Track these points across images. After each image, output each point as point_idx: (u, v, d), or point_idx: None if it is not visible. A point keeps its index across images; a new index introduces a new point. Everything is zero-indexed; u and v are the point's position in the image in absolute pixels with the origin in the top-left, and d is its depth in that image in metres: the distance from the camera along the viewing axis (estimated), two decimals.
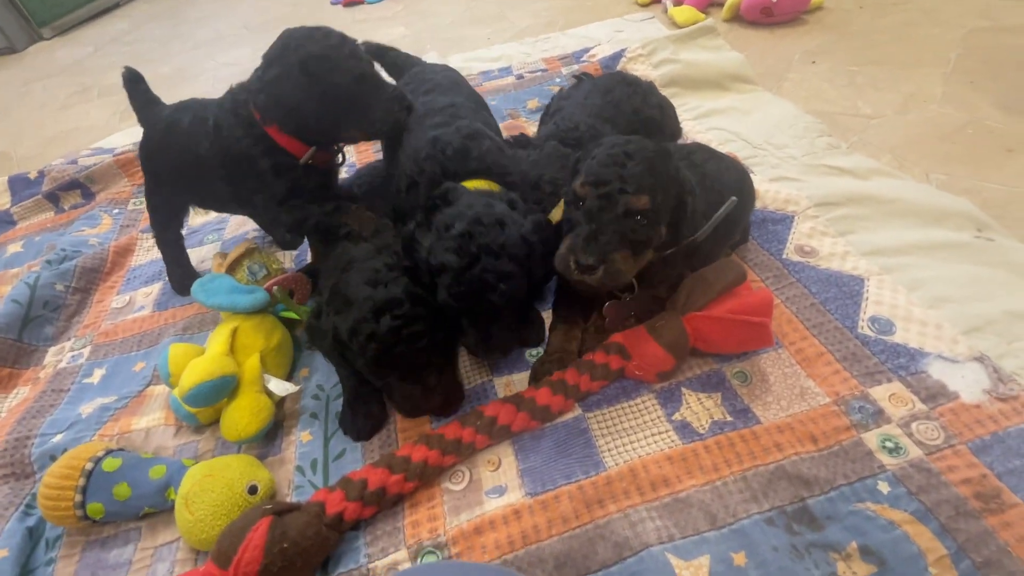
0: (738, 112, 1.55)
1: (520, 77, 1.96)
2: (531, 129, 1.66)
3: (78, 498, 0.81)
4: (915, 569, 0.65)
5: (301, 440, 0.93)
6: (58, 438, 0.98)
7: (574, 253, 0.74)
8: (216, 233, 1.48)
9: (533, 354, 1.00)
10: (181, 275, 1.28)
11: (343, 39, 0.92)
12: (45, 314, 1.26)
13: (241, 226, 1.48)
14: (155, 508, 0.84)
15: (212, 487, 0.79)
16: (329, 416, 0.96)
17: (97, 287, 1.37)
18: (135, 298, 1.32)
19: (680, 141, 1.34)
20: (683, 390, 0.89)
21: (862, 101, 1.53)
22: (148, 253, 1.46)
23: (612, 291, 0.90)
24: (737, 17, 2.09)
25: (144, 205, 1.61)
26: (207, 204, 1.23)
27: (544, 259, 0.84)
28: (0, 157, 2.30)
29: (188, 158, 1.05)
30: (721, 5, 2.19)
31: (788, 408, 0.84)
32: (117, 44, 3.36)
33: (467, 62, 2.17)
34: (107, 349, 1.19)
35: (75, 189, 1.71)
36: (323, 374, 1.03)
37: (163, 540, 0.83)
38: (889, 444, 0.77)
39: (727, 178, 0.97)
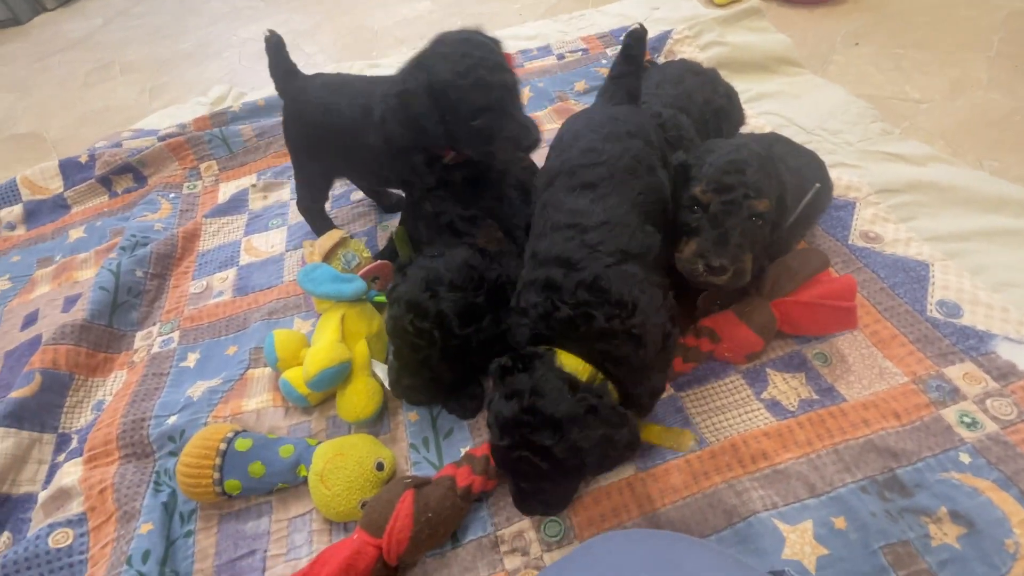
0: (787, 96, 1.58)
1: (561, 57, 1.97)
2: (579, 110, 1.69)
3: (216, 476, 0.88)
4: (1002, 530, 0.73)
5: (409, 420, 0.99)
6: (172, 419, 1.03)
7: (704, 257, 0.80)
8: (280, 218, 1.52)
9: None
10: None
11: (482, 57, 0.90)
12: (129, 300, 1.30)
13: None
14: (287, 484, 0.90)
15: (344, 464, 0.86)
16: None
17: (172, 272, 1.41)
18: (211, 283, 1.36)
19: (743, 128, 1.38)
20: (768, 371, 0.96)
21: (909, 86, 1.57)
22: (214, 238, 1.49)
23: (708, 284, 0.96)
24: None
25: (199, 189, 1.65)
26: (360, 180, 1.32)
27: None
28: (32, 137, 2.29)
29: (350, 142, 1.11)
30: None
31: (870, 387, 0.91)
32: (127, 17, 3.29)
33: (504, 40, 2.16)
34: (196, 334, 1.23)
35: (127, 173, 1.72)
36: None
37: (295, 512, 0.90)
38: (967, 419, 0.85)
39: (808, 172, 1.02)
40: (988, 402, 0.86)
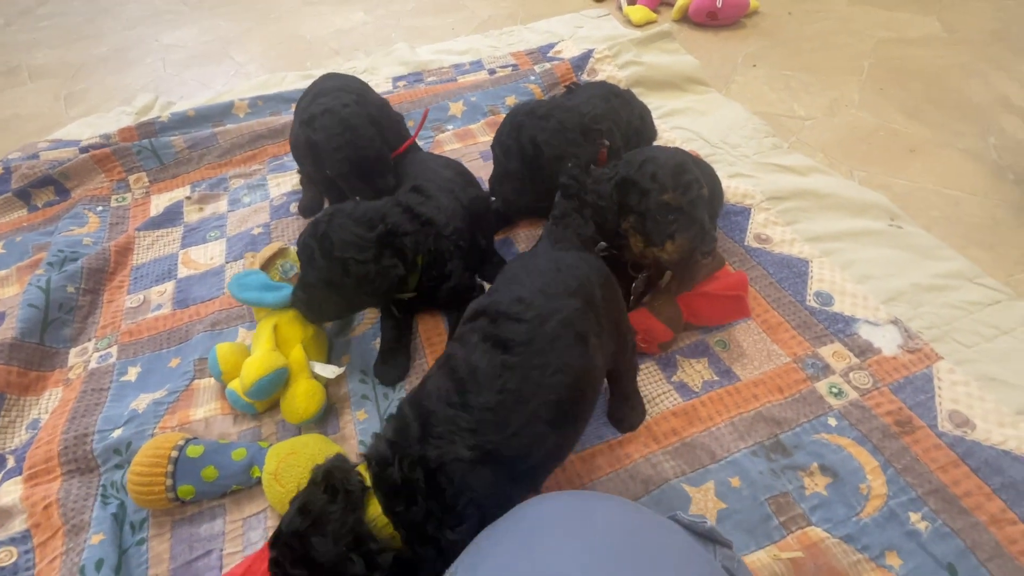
0: (695, 112, 1.76)
1: (492, 72, 2.08)
2: None
3: (169, 482, 0.91)
4: (857, 477, 0.90)
5: (358, 419, 1.06)
6: (117, 433, 1.05)
7: (699, 247, 0.96)
8: (218, 230, 1.53)
9: None
10: None
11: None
12: (61, 316, 1.28)
13: (243, 223, 1.53)
14: (241, 485, 0.95)
15: (297, 462, 0.91)
16: (379, 396, 1.09)
17: (105, 287, 1.39)
18: (149, 297, 1.36)
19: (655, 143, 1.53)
20: (677, 357, 1.10)
21: (797, 104, 1.79)
22: (148, 251, 1.48)
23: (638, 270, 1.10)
24: (685, 19, 2.30)
25: (129, 202, 1.63)
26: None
27: None
28: None
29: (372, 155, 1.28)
30: (670, 5, 2.40)
31: (760, 368, 1.07)
32: (31, 18, 3.10)
33: (437, 54, 2.25)
34: (135, 348, 1.24)
35: (48, 186, 1.67)
36: (363, 359, 1.16)
37: (249, 512, 0.95)
38: (835, 390, 1.02)
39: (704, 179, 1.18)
40: (851, 375, 1.04)
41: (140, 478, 0.91)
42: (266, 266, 1.20)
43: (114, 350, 1.24)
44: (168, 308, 1.32)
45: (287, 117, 1.86)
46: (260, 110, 1.96)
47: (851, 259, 1.25)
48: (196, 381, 1.15)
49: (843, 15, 2.25)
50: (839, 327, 1.12)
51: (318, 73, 2.22)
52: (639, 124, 1.41)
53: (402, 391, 1.10)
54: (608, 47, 1.94)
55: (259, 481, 0.93)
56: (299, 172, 1.55)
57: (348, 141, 1.21)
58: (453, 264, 1.11)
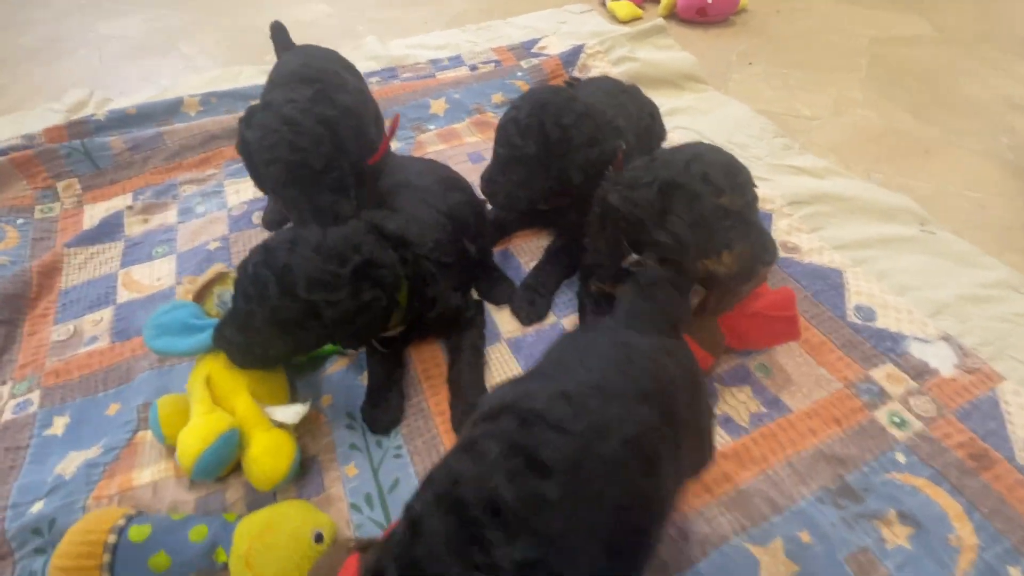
0: (696, 111, 1.65)
1: (474, 68, 1.92)
2: None
3: None
4: (943, 526, 0.78)
5: (347, 475, 0.87)
6: (38, 507, 0.83)
7: (761, 256, 0.84)
8: (167, 245, 1.31)
9: None
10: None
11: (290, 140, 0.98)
12: None
13: (196, 236, 1.32)
14: (202, 574, 0.75)
15: (275, 541, 0.72)
16: (370, 445, 0.91)
17: (25, 317, 1.15)
18: (81, 327, 1.13)
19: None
20: (716, 385, 0.97)
21: (799, 103, 1.70)
22: (80, 272, 1.25)
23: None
24: (672, 16, 2.20)
25: (57, 213, 1.39)
26: None
27: None
28: None
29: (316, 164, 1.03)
30: (656, 1, 2.30)
31: (810, 395, 0.94)
32: None
33: (411, 48, 2.08)
34: (63, 392, 1.01)
35: None
36: (348, 398, 0.97)
37: None
38: (896, 419, 0.90)
39: None
40: (911, 400, 0.93)
41: (66, 573, 0.70)
42: (200, 296, 1.00)
43: (36, 395, 1.01)
44: (105, 341, 1.10)
45: None
46: (214, 107, 1.74)
47: (886, 268, 1.15)
48: (140, 433, 0.94)
49: (829, 13, 2.20)
50: (887, 345, 1.01)
51: None
52: (649, 122, 1.28)
53: (398, 437, 0.92)
54: (599, 42, 1.81)
55: (225, 567, 0.74)
56: None
57: (284, 141, 0.95)
58: (436, 287, 0.94)
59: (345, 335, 0.83)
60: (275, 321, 0.77)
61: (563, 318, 1.10)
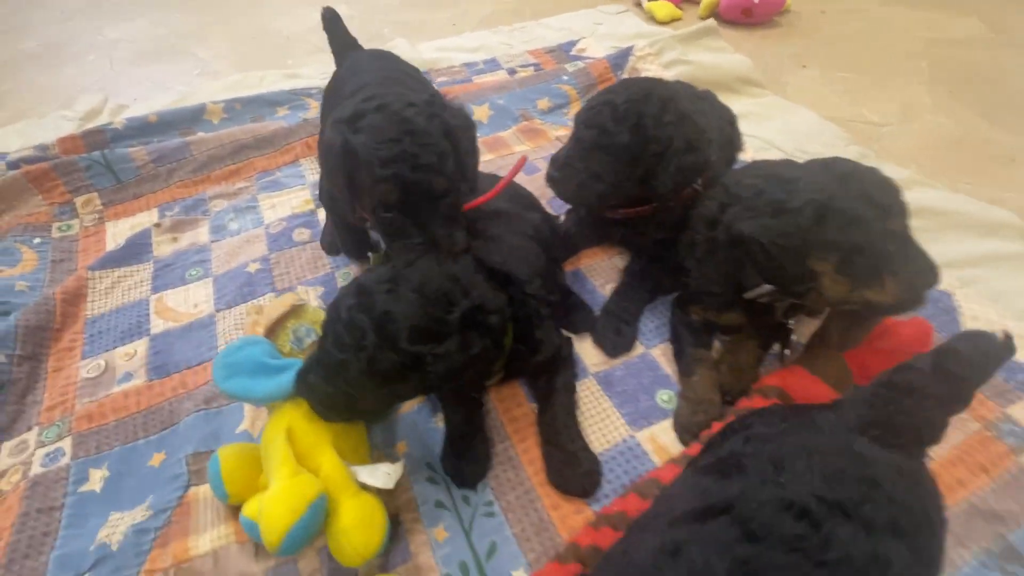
0: (760, 117, 1.55)
1: (512, 72, 1.82)
2: (550, 131, 1.54)
3: None
4: None
5: (435, 539, 0.76)
6: None
7: (924, 283, 0.75)
8: (201, 267, 1.19)
9: (665, 400, 0.91)
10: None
11: (412, 154, 0.76)
12: None
13: (233, 256, 1.20)
14: None
15: None
16: (457, 502, 0.80)
17: (49, 351, 1.03)
18: (112, 362, 1.01)
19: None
20: None
21: (865, 109, 1.61)
22: (107, 298, 1.13)
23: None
24: (714, 16, 2.11)
25: (77, 231, 1.27)
26: None
27: None
28: None
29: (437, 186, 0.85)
30: (695, 2, 2.20)
31: (948, 438, 0.83)
32: None
33: (443, 52, 1.97)
34: (99, 440, 0.89)
35: None
36: (424, 444, 0.86)
37: None
38: None
39: None
40: None
41: None
42: (273, 330, 0.87)
43: (67, 443, 0.89)
44: (141, 378, 0.98)
45: (275, 123, 1.54)
46: (238, 115, 1.63)
47: (997, 289, 1.05)
48: (193, 488, 0.82)
49: (878, 15, 2.11)
50: (1020, 379, 0.91)
51: (304, 72, 1.93)
52: (729, 132, 1.18)
53: (487, 491, 0.81)
54: (649, 44, 1.71)
55: None
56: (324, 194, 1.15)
57: (407, 156, 0.75)
58: (544, 329, 0.83)
59: (449, 388, 0.71)
60: (371, 373, 0.66)
61: (652, 348, 0.99)
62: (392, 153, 0.75)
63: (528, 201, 1.06)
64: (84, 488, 0.84)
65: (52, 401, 0.95)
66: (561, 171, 0.98)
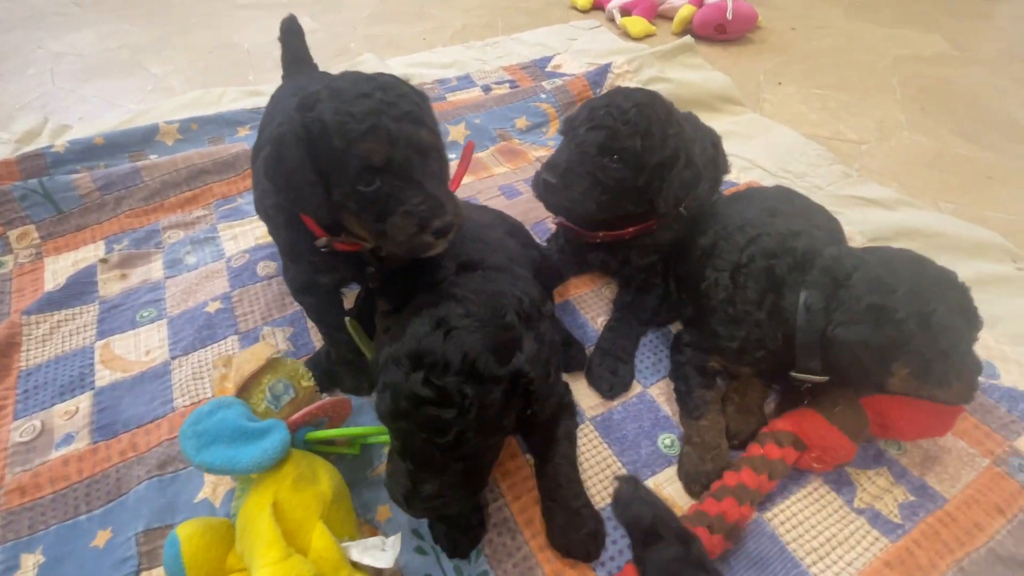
0: (739, 136, 1.53)
1: (487, 89, 1.76)
2: (530, 152, 1.49)
3: None
4: None
5: None
6: None
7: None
8: (154, 307, 1.08)
9: (668, 444, 0.86)
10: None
11: (388, 102, 0.63)
12: None
13: (190, 295, 1.10)
14: None
15: None
16: (448, 573, 0.72)
17: None
18: (50, 422, 0.90)
19: None
20: (847, 469, 0.82)
21: (843, 126, 1.61)
22: (44, 345, 1.01)
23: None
24: (686, 32, 2.10)
25: (9, 269, 1.15)
26: None
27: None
28: None
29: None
30: (668, 18, 2.19)
31: (959, 477, 0.81)
32: None
33: (414, 67, 1.90)
34: (32, 518, 0.78)
35: None
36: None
37: None
38: None
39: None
40: None
41: None
42: (246, 387, 0.78)
43: None
44: (85, 440, 0.87)
45: (236, 145, 1.43)
46: (195, 136, 1.52)
47: (992, 314, 1.01)
48: (145, 574, 0.72)
49: (847, 31, 2.14)
50: (1022, 409, 0.89)
51: (267, 89, 1.81)
52: (713, 153, 1.14)
53: (482, 560, 0.73)
54: (627, 61, 1.67)
55: None
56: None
57: (383, 104, 0.63)
58: (556, 378, 0.76)
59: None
60: (484, 424, 0.59)
61: (650, 387, 0.94)
62: (367, 107, 0.63)
63: (520, 232, 1.00)
64: None
65: None
66: (562, 177, 0.90)
